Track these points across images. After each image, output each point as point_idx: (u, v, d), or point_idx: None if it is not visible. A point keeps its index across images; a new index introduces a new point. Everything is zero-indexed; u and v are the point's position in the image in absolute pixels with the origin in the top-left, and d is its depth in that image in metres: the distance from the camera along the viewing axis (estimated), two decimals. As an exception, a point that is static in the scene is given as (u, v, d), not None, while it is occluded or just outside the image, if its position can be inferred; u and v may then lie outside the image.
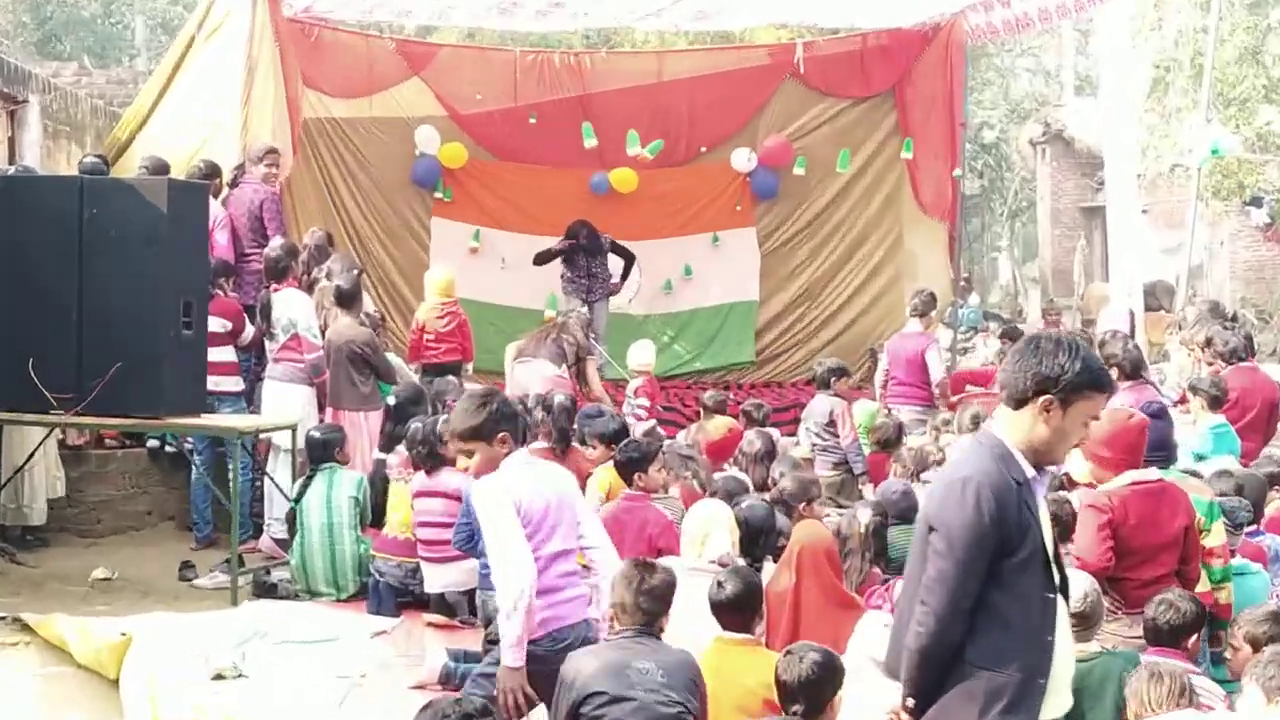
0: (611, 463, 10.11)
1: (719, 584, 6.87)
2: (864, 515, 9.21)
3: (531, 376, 13.16)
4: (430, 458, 10.40)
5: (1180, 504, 7.85)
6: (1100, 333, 13.54)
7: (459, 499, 10.05)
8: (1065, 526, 8.02)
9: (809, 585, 8.23)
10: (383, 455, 11.70)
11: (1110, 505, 7.74)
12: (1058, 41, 42.20)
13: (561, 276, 17.22)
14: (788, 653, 6.15)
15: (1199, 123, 19.66)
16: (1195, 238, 20.45)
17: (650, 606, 6.29)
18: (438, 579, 10.30)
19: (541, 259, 17.22)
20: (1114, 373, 11.12)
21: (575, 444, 11.06)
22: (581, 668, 6.11)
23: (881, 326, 18.10)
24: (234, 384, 12.82)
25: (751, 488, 10.24)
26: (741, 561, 8.10)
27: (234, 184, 13.72)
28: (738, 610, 6.83)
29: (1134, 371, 11.25)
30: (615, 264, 17.46)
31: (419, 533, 10.37)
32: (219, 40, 14.78)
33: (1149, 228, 26.61)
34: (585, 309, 16.25)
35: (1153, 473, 7.97)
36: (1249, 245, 30.48)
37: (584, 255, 17.08)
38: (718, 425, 12.49)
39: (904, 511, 9.69)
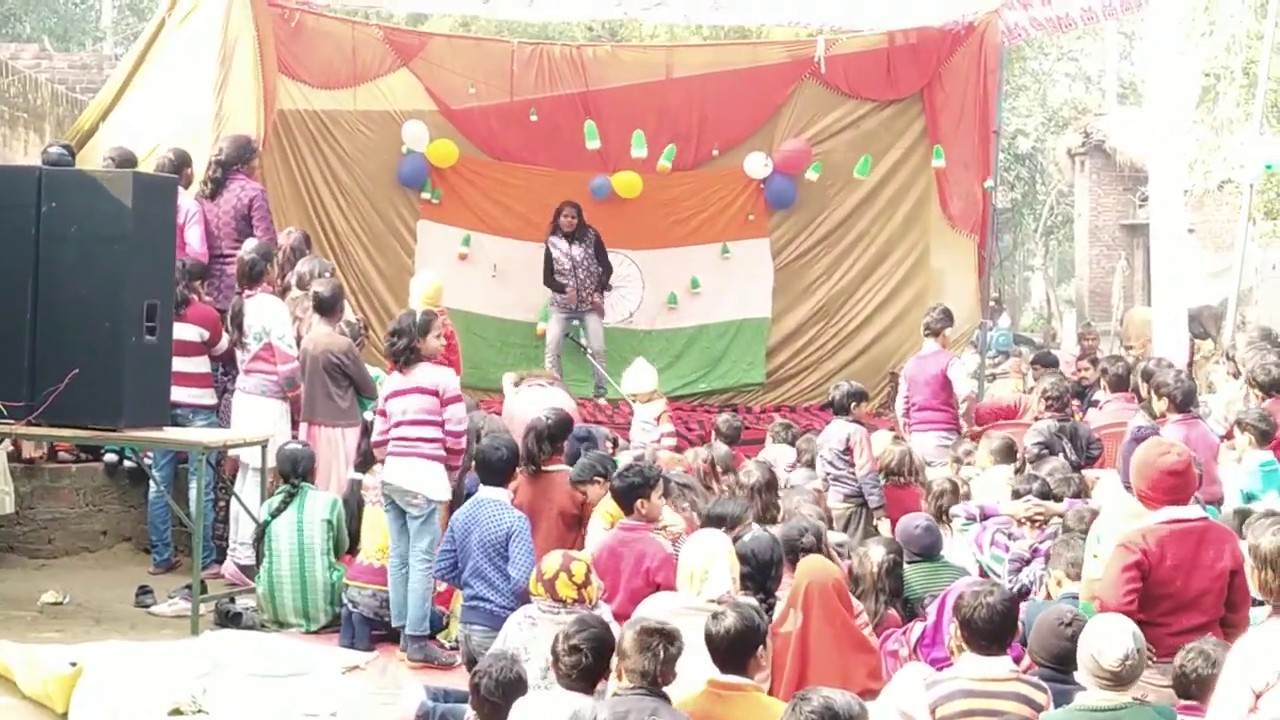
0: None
1: (714, 617, 6.86)
2: (876, 553, 9.17)
3: (537, 403, 13.13)
4: (407, 353, 10.66)
5: (1226, 545, 7.79)
6: (1149, 360, 13.54)
7: (435, 394, 10.44)
8: None
9: (819, 625, 8.24)
10: (359, 475, 11.72)
11: (1142, 545, 7.69)
12: (1100, 45, 42.34)
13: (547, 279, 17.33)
14: (797, 698, 6.13)
15: (1251, 136, 19.63)
16: (1245, 260, 20.40)
17: (664, 673, 6.40)
18: (393, 472, 10.51)
19: (547, 274, 17.33)
20: (1164, 404, 11.22)
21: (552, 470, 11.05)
22: (605, 712, 6.27)
23: (904, 348, 17.98)
24: (208, 397, 12.83)
25: (749, 514, 10.10)
26: (748, 599, 8.09)
27: (220, 185, 13.65)
28: (734, 650, 6.82)
29: (1185, 404, 11.31)
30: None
31: (396, 431, 10.54)
32: (193, 23, 14.74)
33: (1195, 248, 26.61)
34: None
35: (1194, 510, 7.94)
36: (1302, 268, 30.53)
37: (569, 242, 17.12)
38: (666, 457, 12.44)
39: (926, 548, 9.74)
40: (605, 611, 8.25)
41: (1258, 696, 6.04)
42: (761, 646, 6.91)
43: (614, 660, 6.85)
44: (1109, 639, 6.43)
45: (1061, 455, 12.20)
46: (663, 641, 6.38)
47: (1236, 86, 26.48)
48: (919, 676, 7.32)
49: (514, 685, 7.09)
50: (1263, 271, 31.13)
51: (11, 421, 10.91)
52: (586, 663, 6.77)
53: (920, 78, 18.70)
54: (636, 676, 6.36)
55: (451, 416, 10.55)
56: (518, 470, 10.65)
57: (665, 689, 6.43)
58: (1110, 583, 7.72)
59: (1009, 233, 43.47)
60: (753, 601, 7.85)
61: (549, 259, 17.35)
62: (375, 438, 10.86)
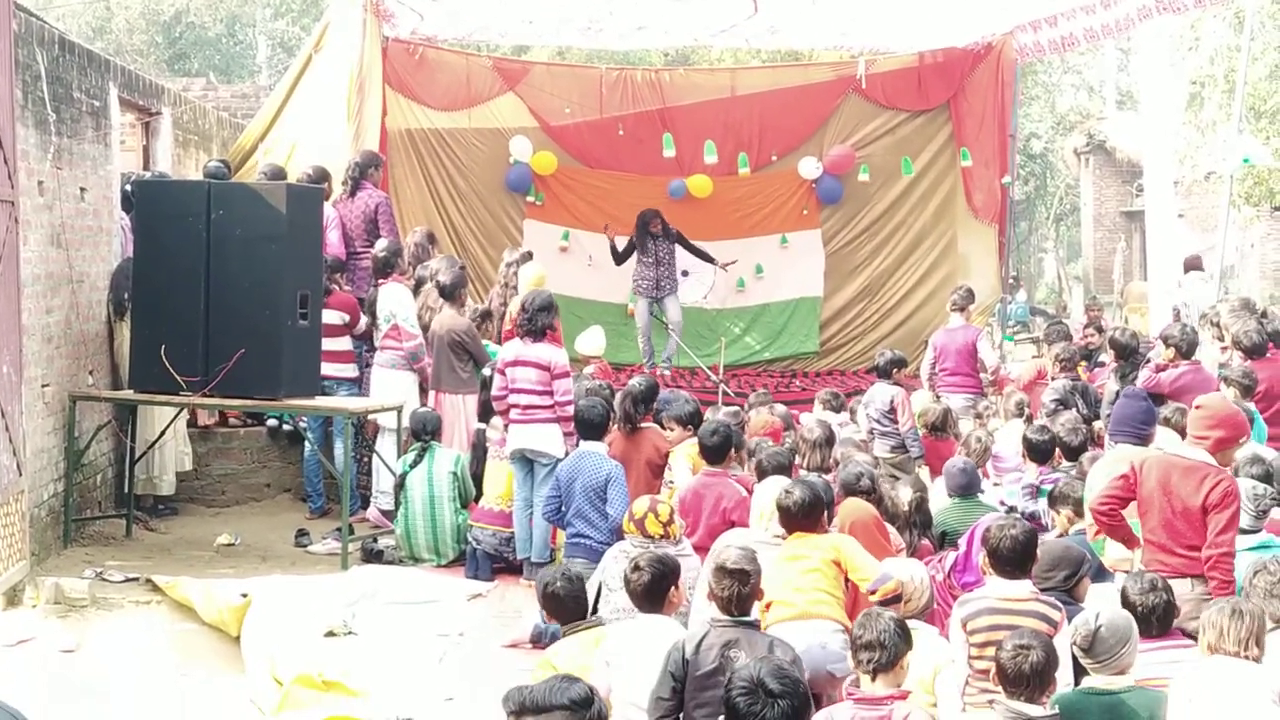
0: (693, 441, 10.03)
1: (786, 492, 6.95)
2: (904, 494, 9.20)
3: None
4: (544, 328, 10.74)
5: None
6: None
7: (547, 369, 10.48)
8: None
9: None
10: (482, 425, 11.80)
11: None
12: (1100, 59, 41.86)
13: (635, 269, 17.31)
14: (864, 615, 6.09)
15: (1231, 134, 19.37)
16: (1227, 240, 20.15)
17: (742, 605, 6.32)
18: (520, 438, 10.60)
19: (620, 258, 17.28)
20: (1171, 353, 11.23)
21: (643, 427, 10.91)
22: (691, 644, 6.19)
23: (936, 321, 17.85)
24: (350, 370, 12.93)
25: (797, 463, 10.00)
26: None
27: (357, 185, 13.73)
28: (806, 517, 7.07)
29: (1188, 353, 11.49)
30: (684, 259, 17.48)
31: (513, 399, 10.61)
32: (330, 58, 14.83)
33: (1185, 230, 26.31)
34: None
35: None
36: (1277, 248, 30.14)
37: (653, 241, 17.11)
38: (757, 424, 12.41)
39: (963, 487, 9.72)
40: (686, 545, 8.23)
41: None
42: None
43: (676, 583, 6.82)
44: None
45: (1074, 409, 12.14)
46: (736, 581, 6.36)
47: (1218, 92, 26.20)
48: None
49: (576, 579, 7.43)
50: (1242, 249, 30.82)
51: (190, 394, 11.09)
52: (647, 580, 6.70)
53: (947, 90, 18.62)
54: (722, 608, 6.32)
55: (559, 389, 10.57)
56: (614, 427, 10.63)
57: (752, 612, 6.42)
58: None
59: (1025, 220, 43.09)
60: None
61: (628, 250, 17.28)
62: (495, 392, 10.91)
